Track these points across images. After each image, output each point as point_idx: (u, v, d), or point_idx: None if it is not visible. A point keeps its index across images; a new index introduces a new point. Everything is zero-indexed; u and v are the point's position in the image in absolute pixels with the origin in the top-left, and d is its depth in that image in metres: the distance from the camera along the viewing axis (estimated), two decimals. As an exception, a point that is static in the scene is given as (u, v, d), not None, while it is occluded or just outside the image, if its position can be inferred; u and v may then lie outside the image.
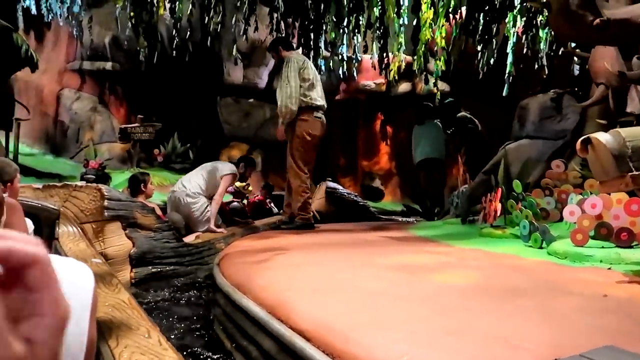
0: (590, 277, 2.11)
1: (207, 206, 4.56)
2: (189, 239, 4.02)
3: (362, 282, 2.09)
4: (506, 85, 6.46)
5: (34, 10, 9.57)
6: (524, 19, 6.16)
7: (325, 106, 4.50)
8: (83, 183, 3.61)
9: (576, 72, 6.06)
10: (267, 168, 10.54)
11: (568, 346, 1.23)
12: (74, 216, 2.89)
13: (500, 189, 3.65)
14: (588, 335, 1.33)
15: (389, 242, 3.56)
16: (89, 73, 10.59)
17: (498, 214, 3.64)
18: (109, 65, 10.45)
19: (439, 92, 7.27)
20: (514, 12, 6.17)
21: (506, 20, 6.41)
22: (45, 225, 2.75)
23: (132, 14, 7.20)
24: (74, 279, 0.65)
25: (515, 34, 6.51)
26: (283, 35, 7.33)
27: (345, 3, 6.71)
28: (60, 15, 9.58)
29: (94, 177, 6.22)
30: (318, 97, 4.38)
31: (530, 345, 1.26)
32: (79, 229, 2.77)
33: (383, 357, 1.27)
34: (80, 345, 0.62)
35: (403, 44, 7.28)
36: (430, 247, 3.18)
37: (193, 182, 4.67)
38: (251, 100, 11.10)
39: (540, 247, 2.84)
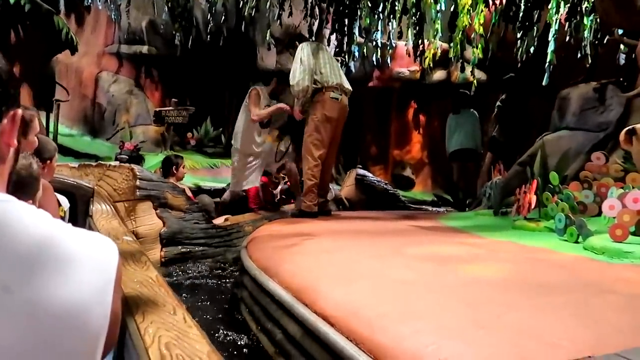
0: (629, 275, 2.01)
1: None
2: (218, 221, 4.07)
3: (391, 271, 2.06)
4: (546, 74, 6.23)
5: (75, -6, 9.81)
6: (568, 5, 5.92)
7: (346, 86, 4.28)
8: (117, 163, 3.69)
9: (622, 61, 5.80)
10: (299, 153, 10.54)
11: (604, 345, 1.17)
12: (107, 195, 2.96)
13: (535, 180, 3.54)
14: (626, 335, 1.26)
15: (418, 231, 3.51)
16: (126, 56, 10.80)
17: (532, 206, 3.52)
18: (145, 49, 10.62)
19: (475, 81, 7.09)
20: (558, -2, 5.93)
21: (549, 7, 6.17)
22: (80, 203, 2.82)
23: (168, -2, 7.29)
24: (98, 255, 0.65)
25: (558, 21, 6.25)
26: (317, 20, 7.28)
27: (381, -13, 6.60)
28: (99, -1, 9.79)
29: (127, 157, 6.37)
30: (333, 75, 4.19)
31: (564, 342, 1.21)
32: (111, 207, 2.84)
33: (409, 346, 1.24)
34: (104, 317, 0.63)
35: (439, 30, 7.10)
36: (460, 238, 3.11)
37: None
38: (284, 86, 11.10)
39: (576, 242, 2.74)
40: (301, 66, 4.14)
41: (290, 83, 4.23)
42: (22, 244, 0.56)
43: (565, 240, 2.82)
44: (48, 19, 6.35)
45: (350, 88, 4.38)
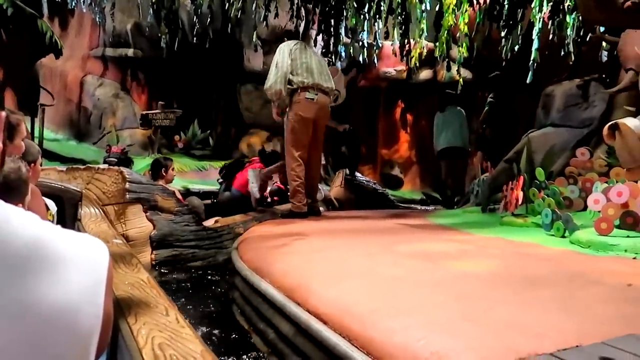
0: (614, 267, 2.06)
1: None
2: (208, 223, 4.06)
3: (381, 269, 2.08)
4: (530, 72, 6.30)
5: (58, -2, 9.70)
6: (551, 4, 5.99)
7: (325, 84, 4.24)
8: (105, 166, 3.67)
9: (604, 58, 5.89)
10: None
11: (591, 335, 1.20)
12: (96, 198, 2.94)
13: (522, 177, 3.59)
14: (611, 324, 1.30)
15: (408, 229, 3.53)
16: (111, 59, 10.72)
17: (520, 202, 3.58)
18: (130, 51, 10.55)
19: (461, 80, 7.15)
20: (540, -4, 6.01)
21: (532, 6, 6.24)
22: (69, 207, 2.80)
23: (153, 0, 7.24)
24: (88, 255, 0.65)
25: (541, 19, 6.33)
26: (303, 21, 7.29)
27: (366, -12, 6.63)
28: (84, 1, 9.68)
29: (116, 160, 6.33)
30: (310, 75, 4.16)
31: (552, 333, 1.23)
32: (101, 210, 2.82)
33: (400, 341, 1.26)
34: (96, 318, 0.63)
35: (425, 30, 7.14)
36: (449, 235, 3.14)
37: None
38: (270, 86, 11.10)
39: (563, 236, 2.78)
40: (275, 69, 4.17)
41: (265, 87, 4.26)
42: (10, 246, 0.56)
43: (552, 235, 2.86)
44: (31, 22, 6.29)
45: (331, 86, 4.35)
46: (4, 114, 0.65)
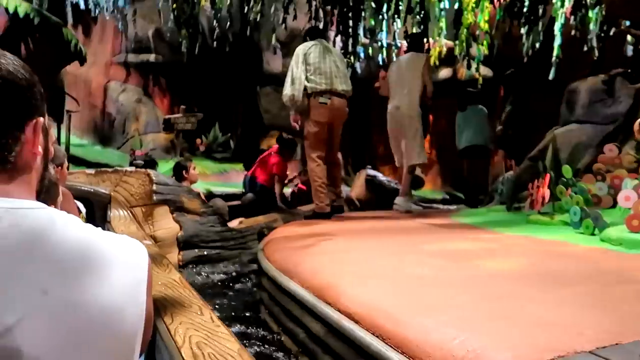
0: (648, 264, 2.02)
1: None
2: (233, 223, 4.10)
3: (407, 268, 2.08)
4: (553, 68, 6.21)
5: (82, 6, 9.91)
6: (572, -1, 5.90)
7: (339, 88, 4.29)
8: (133, 168, 3.73)
9: (629, 53, 5.77)
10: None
11: (630, 332, 1.18)
12: (124, 200, 3.00)
13: (548, 174, 3.54)
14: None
15: (432, 229, 3.52)
16: (133, 65, 10.88)
17: (546, 200, 3.53)
18: (152, 57, 10.69)
19: (481, 78, 7.08)
20: (562, -8, 5.92)
21: (553, 1, 6.15)
22: (98, 209, 2.87)
23: (174, 6, 7.34)
24: (129, 256, 0.67)
25: (563, 15, 6.23)
26: (322, 23, 7.30)
27: (384, -12, 6.61)
28: (107, 9, 9.87)
29: (142, 162, 6.43)
30: (322, 80, 4.22)
31: (588, 331, 1.22)
32: (129, 212, 2.88)
33: (436, 339, 1.26)
34: (139, 317, 0.65)
35: (444, 28, 7.10)
36: (474, 234, 3.12)
37: None
38: (289, 89, 11.15)
39: (592, 234, 2.74)
40: (291, 76, 4.26)
41: (282, 94, 4.35)
42: (62, 248, 0.59)
43: (581, 233, 2.82)
44: (57, 31, 6.43)
45: (346, 88, 4.37)
46: (41, 120, 0.67)
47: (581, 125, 4.89)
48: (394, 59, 10.21)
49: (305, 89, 4.19)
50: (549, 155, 3.78)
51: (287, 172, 6.07)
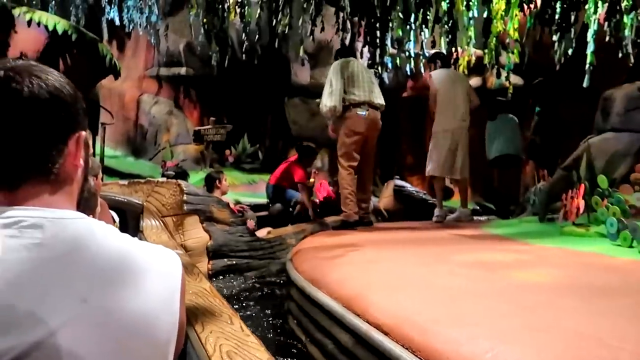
0: (691, 278, 1.94)
1: None
2: (261, 233, 4.13)
3: (438, 279, 2.05)
4: (587, 76, 6.06)
5: (117, 22, 10.25)
6: (606, 4, 5.76)
7: (376, 101, 4.46)
8: (164, 179, 3.82)
9: (667, 59, 5.58)
10: (334, 167, 10.59)
11: (673, 347, 1.13)
12: (156, 210, 3.07)
13: (583, 184, 3.44)
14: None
15: (462, 239, 3.46)
16: (165, 78, 11.17)
17: (581, 211, 3.43)
18: (183, 70, 10.95)
19: (511, 86, 6.98)
20: (595, -2, 5.78)
21: (586, 7, 6.02)
22: (131, 219, 2.93)
23: (204, 20, 7.50)
24: (163, 265, 0.69)
25: (597, 21, 6.08)
26: (349, 34, 7.34)
27: (412, -2, 6.60)
28: (140, 25, 10.18)
29: (173, 173, 6.57)
30: (361, 93, 4.38)
31: (628, 344, 1.18)
32: (161, 222, 2.94)
33: (467, 353, 1.23)
34: (173, 325, 0.66)
35: (473, 37, 7.03)
36: (507, 245, 3.06)
37: None
38: (318, 100, 11.15)
39: (631, 246, 2.65)
40: (329, 88, 4.41)
41: (320, 105, 4.51)
42: (101, 258, 0.60)
43: (619, 245, 2.73)
44: (93, 46, 6.64)
45: (381, 102, 4.54)
46: (83, 134, 0.70)
47: (617, 134, 4.76)
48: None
49: (343, 100, 4.33)
50: (583, 165, 3.67)
51: (311, 180, 6.18)
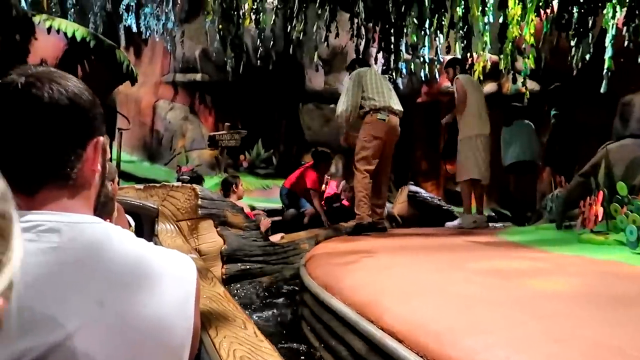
0: None
1: None
2: (275, 238, 4.14)
3: (453, 286, 2.02)
4: (605, 81, 5.98)
5: (134, 29, 10.40)
6: (625, 9, 5.68)
7: (395, 107, 4.48)
8: (179, 184, 3.86)
9: (688, 64, 5.47)
10: (349, 173, 10.59)
11: (697, 359, 1.10)
12: (171, 214, 3.09)
13: (601, 191, 3.39)
14: None
15: (477, 246, 3.42)
16: (181, 84, 11.29)
17: (599, 218, 3.37)
18: (199, 76, 11.06)
19: (527, 92, 6.91)
20: (613, 2, 5.71)
21: (604, 12, 5.94)
22: (146, 223, 2.96)
23: (220, 27, 7.57)
24: (178, 270, 0.69)
25: (615, 26, 6.00)
26: (363, 40, 7.35)
27: (427, 4, 6.58)
28: (156, 31, 10.32)
29: (188, 178, 6.64)
30: (381, 98, 4.41)
31: (649, 356, 1.15)
32: (175, 226, 2.96)
33: (482, 360, 1.21)
34: (187, 330, 0.66)
35: (488, 42, 6.99)
36: (523, 253, 3.01)
37: None
38: (332, 105, 11.17)
39: (651, 255, 2.59)
40: (346, 96, 4.47)
41: (336, 113, 4.60)
42: (117, 262, 0.61)
43: (638, 254, 2.67)
44: (110, 53, 6.74)
45: (400, 108, 4.56)
46: (101, 139, 0.71)
47: (636, 140, 4.67)
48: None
49: (362, 107, 4.39)
50: (601, 171, 3.62)
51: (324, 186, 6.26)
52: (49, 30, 5.97)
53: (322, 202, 6.05)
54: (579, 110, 6.85)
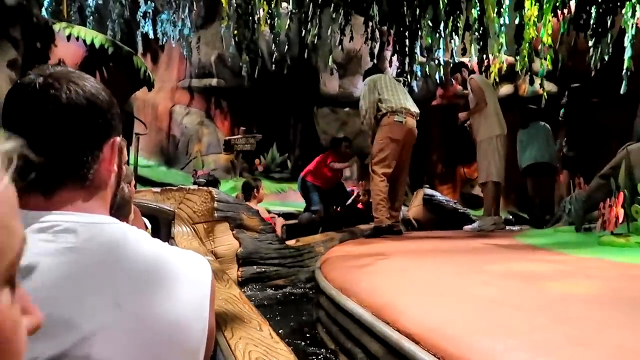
0: None
1: None
2: (290, 241, 4.14)
3: (471, 288, 1.99)
4: (624, 81, 5.87)
5: (151, 35, 10.55)
6: (644, 8, 5.58)
7: (412, 109, 4.49)
8: (195, 187, 3.88)
9: None
10: (365, 175, 10.57)
11: None
12: (187, 217, 3.11)
13: (622, 193, 3.32)
14: None
15: (495, 249, 3.38)
16: (197, 90, 11.41)
17: (620, 220, 3.30)
18: (214, 81, 11.17)
19: (545, 93, 6.82)
20: (632, 1, 5.61)
21: (623, 11, 5.85)
22: (163, 225, 2.98)
23: (235, 32, 7.63)
24: (194, 271, 0.68)
25: (634, 25, 5.90)
26: (378, 43, 7.34)
27: (442, 6, 6.54)
28: (173, 37, 10.45)
29: (204, 181, 6.69)
30: (397, 100, 4.43)
31: (676, 359, 1.11)
32: (192, 228, 2.98)
33: (502, 363, 1.19)
34: (203, 331, 0.65)
35: (504, 44, 6.92)
36: (542, 255, 2.96)
37: None
38: (347, 109, 11.22)
39: (675, 257, 2.53)
40: (364, 102, 4.51)
41: (360, 120, 4.67)
42: (133, 263, 0.60)
43: (662, 256, 2.61)
44: (128, 59, 6.83)
45: (417, 110, 4.57)
46: (118, 139, 0.71)
47: (658, 141, 4.58)
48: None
49: (378, 109, 4.42)
50: (622, 173, 3.54)
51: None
52: (68, 37, 6.07)
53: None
54: (599, 111, 6.75)
